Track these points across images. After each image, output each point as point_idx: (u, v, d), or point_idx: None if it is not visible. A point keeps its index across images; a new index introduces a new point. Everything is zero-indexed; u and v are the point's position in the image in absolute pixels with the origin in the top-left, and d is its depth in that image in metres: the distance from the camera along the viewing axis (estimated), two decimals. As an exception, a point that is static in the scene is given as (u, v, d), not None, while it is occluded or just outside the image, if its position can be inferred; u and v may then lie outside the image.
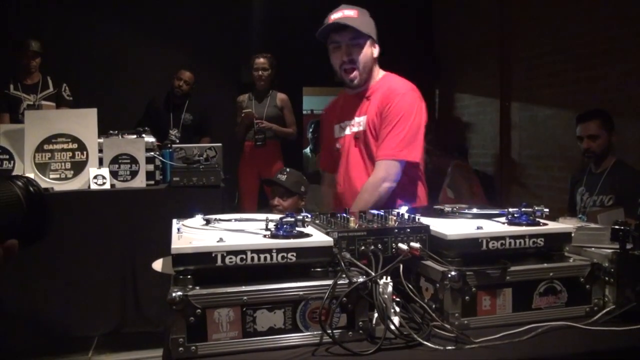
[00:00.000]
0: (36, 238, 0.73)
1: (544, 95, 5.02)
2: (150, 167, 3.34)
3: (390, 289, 1.22)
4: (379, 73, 2.27)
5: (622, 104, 3.95)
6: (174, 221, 1.49)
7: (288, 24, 6.06)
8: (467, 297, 1.29)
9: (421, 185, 2.27)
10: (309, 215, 1.42)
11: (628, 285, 1.34)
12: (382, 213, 1.53)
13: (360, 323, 1.22)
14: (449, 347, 1.18)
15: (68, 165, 3.26)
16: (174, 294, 1.13)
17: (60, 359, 3.03)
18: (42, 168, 3.23)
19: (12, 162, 3.27)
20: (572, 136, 3.67)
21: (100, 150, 3.30)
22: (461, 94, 6.53)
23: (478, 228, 1.37)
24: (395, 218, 1.47)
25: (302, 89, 6.51)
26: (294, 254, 1.22)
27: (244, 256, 1.19)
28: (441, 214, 1.64)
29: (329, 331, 1.18)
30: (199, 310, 1.14)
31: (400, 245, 1.35)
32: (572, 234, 1.45)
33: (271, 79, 4.99)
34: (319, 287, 1.20)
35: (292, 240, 1.24)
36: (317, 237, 1.29)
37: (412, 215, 1.48)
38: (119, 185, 3.27)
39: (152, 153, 3.36)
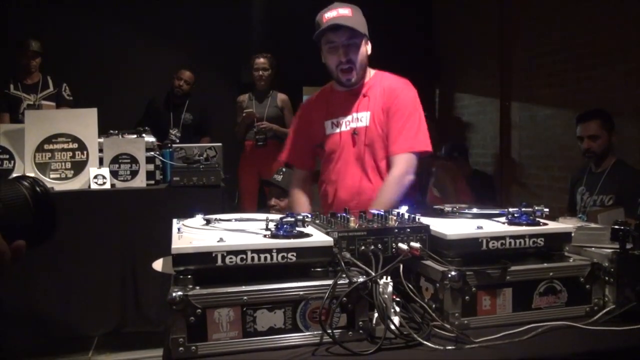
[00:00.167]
0: (43, 238, 0.73)
1: (544, 95, 5.02)
2: (151, 166, 3.34)
3: (390, 288, 1.22)
4: (369, 70, 2.28)
5: (622, 103, 3.95)
6: (174, 221, 1.49)
7: (288, 24, 6.06)
8: (467, 297, 1.29)
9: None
10: (309, 215, 1.42)
11: (628, 285, 1.34)
12: (382, 213, 1.53)
13: (361, 323, 1.22)
14: (449, 347, 1.18)
15: (68, 165, 3.26)
16: (174, 294, 1.13)
17: (61, 359, 3.03)
18: (43, 168, 3.23)
19: (12, 161, 3.28)
20: (572, 136, 3.67)
21: (101, 150, 3.31)
22: (461, 94, 6.53)
23: (478, 228, 1.37)
24: (395, 218, 1.47)
25: (302, 88, 6.50)
26: (294, 254, 1.22)
27: (244, 256, 1.19)
28: (441, 214, 1.65)
29: (329, 331, 1.18)
30: (199, 310, 1.14)
31: (400, 245, 1.35)
32: (572, 234, 1.45)
33: (271, 79, 4.99)
34: (319, 287, 1.20)
35: (292, 240, 1.24)
36: (317, 237, 1.29)
37: (412, 215, 1.48)
38: (119, 185, 3.28)
39: (152, 153, 3.37)
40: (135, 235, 3.13)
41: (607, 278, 1.38)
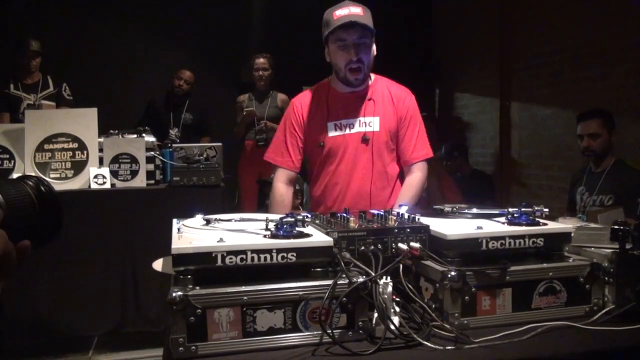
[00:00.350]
0: (49, 238, 0.73)
1: (544, 95, 5.02)
2: (151, 166, 3.34)
3: (390, 289, 1.22)
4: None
5: (621, 103, 3.95)
6: (174, 221, 1.49)
7: (288, 24, 6.06)
8: (466, 297, 1.29)
9: None
10: (309, 215, 1.42)
11: (627, 285, 1.35)
12: (381, 213, 1.53)
13: (360, 323, 1.22)
14: (449, 347, 1.18)
15: (68, 165, 3.26)
16: (174, 294, 1.13)
17: (61, 359, 3.03)
18: (43, 167, 3.23)
19: (12, 161, 3.28)
20: (572, 136, 3.67)
21: (101, 150, 3.30)
22: (461, 94, 6.53)
23: (478, 228, 1.38)
24: (395, 218, 1.48)
25: (303, 88, 6.50)
26: (294, 254, 1.22)
27: (244, 256, 1.20)
28: (441, 214, 1.65)
29: (329, 331, 1.18)
30: (199, 310, 1.14)
31: (400, 245, 1.36)
32: (572, 234, 1.46)
33: (271, 79, 4.99)
34: (318, 287, 1.20)
35: (292, 241, 1.24)
36: (317, 237, 1.29)
37: (412, 215, 1.48)
38: (119, 184, 3.27)
39: (152, 152, 3.36)
40: (135, 235, 3.13)
41: (606, 278, 1.38)
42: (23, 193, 0.69)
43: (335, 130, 2.25)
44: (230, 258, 1.19)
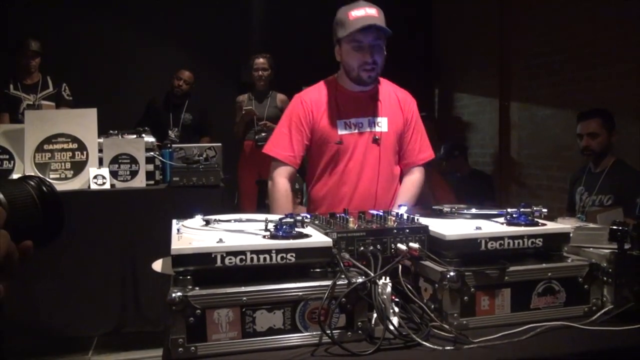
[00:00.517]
0: (51, 238, 0.73)
1: (543, 95, 5.02)
2: (150, 167, 3.34)
3: (389, 289, 1.22)
4: None
5: (621, 103, 3.95)
6: (174, 222, 1.49)
7: (288, 24, 6.07)
8: (465, 298, 1.29)
9: None
10: (308, 216, 1.42)
11: (626, 285, 1.35)
12: (381, 213, 1.53)
13: (360, 323, 1.22)
14: (448, 347, 1.18)
15: (68, 165, 3.26)
16: (173, 295, 1.14)
17: (60, 359, 3.04)
18: (42, 168, 3.23)
19: (12, 162, 3.28)
20: (572, 136, 3.68)
21: (100, 150, 3.31)
22: (461, 94, 6.54)
23: (477, 228, 1.38)
24: (394, 218, 1.48)
25: (302, 88, 6.51)
26: (293, 255, 1.23)
27: (243, 257, 1.20)
28: (440, 214, 1.65)
29: (328, 331, 1.18)
30: (198, 311, 1.14)
31: (399, 245, 1.36)
32: (571, 234, 1.46)
33: (271, 79, 4.99)
34: (318, 287, 1.20)
35: (291, 241, 1.24)
36: (316, 237, 1.29)
37: (411, 216, 1.48)
38: (119, 185, 3.28)
39: (152, 153, 3.37)
40: (134, 236, 3.13)
41: (605, 278, 1.38)
42: (25, 193, 0.69)
43: (345, 128, 2.22)
44: (230, 259, 1.19)
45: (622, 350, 1.23)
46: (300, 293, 1.20)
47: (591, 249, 1.46)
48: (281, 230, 1.28)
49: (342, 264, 1.25)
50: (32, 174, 3.19)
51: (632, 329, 1.27)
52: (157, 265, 1.44)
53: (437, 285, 1.31)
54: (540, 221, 1.45)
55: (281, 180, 2.25)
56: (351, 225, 1.41)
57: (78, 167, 3.27)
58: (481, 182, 5.35)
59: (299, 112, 2.25)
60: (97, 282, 3.14)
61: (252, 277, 1.21)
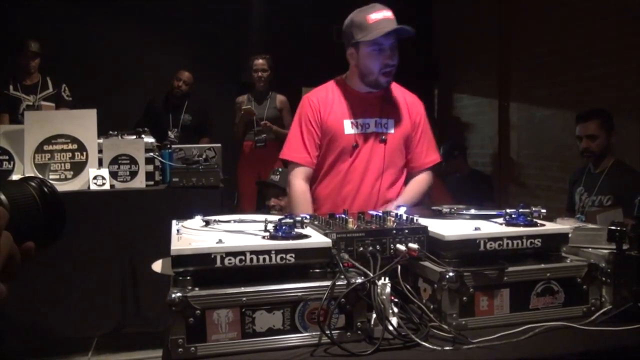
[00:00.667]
0: (52, 240, 0.73)
1: (542, 96, 5.03)
2: (150, 167, 3.34)
3: (388, 289, 1.23)
4: None
5: (620, 104, 3.95)
6: (174, 222, 1.50)
7: (287, 25, 6.07)
8: (464, 298, 1.30)
9: None
10: (308, 216, 1.43)
11: (625, 286, 1.35)
12: (380, 214, 1.54)
13: (359, 324, 1.23)
14: (447, 348, 1.19)
15: (68, 166, 3.27)
16: (173, 295, 1.14)
17: (60, 360, 3.04)
18: (42, 169, 3.23)
19: (11, 162, 3.28)
20: (571, 136, 3.68)
21: (100, 151, 3.31)
22: (460, 94, 6.54)
23: (476, 229, 1.38)
24: (393, 219, 1.48)
25: (302, 89, 6.51)
26: (293, 255, 1.23)
27: (243, 257, 1.20)
28: (439, 215, 1.65)
29: (328, 332, 1.18)
30: (198, 311, 1.15)
31: (399, 246, 1.36)
32: (570, 235, 1.46)
33: (270, 80, 5.00)
34: (317, 288, 1.21)
35: (290, 242, 1.25)
36: (316, 238, 1.29)
37: (410, 216, 1.48)
38: (119, 185, 3.28)
39: (152, 154, 3.37)
40: (134, 236, 3.13)
41: (604, 278, 1.39)
42: (26, 194, 0.69)
43: (353, 128, 2.23)
44: (229, 259, 1.20)
45: (620, 350, 1.23)
46: (300, 293, 1.20)
47: (590, 249, 1.46)
48: (281, 231, 1.28)
49: (341, 265, 1.25)
50: (32, 174, 3.19)
51: (631, 329, 1.27)
52: (157, 266, 1.44)
53: (436, 285, 1.31)
54: (539, 222, 1.46)
55: (297, 181, 2.27)
56: (350, 225, 1.41)
57: (78, 168, 3.27)
58: (480, 183, 5.36)
59: (308, 112, 2.28)
60: (96, 282, 3.14)
61: (251, 278, 1.21)
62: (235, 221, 1.50)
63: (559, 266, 1.38)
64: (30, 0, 5.58)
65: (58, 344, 3.10)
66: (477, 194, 4.86)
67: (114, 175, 3.28)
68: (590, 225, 1.65)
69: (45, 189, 0.71)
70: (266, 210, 3.56)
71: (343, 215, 1.49)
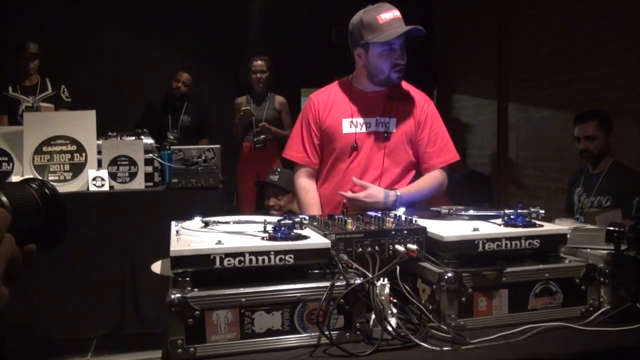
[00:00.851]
0: (54, 242, 0.73)
1: (541, 97, 5.04)
2: (149, 168, 3.35)
3: (387, 290, 1.23)
4: None
5: (618, 105, 3.96)
6: (173, 223, 1.50)
7: (286, 26, 6.08)
8: (463, 298, 1.30)
9: None
10: (307, 217, 1.43)
11: (623, 286, 1.36)
12: (379, 215, 1.54)
13: (358, 324, 1.23)
14: (446, 348, 1.19)
15: (67, 167, 3.27)
16: (172, 296, 1.14)
17: (59, 361, 3.04)
18: (41, 170, 3.24)
19: (11, 164, 3.28)
20: (569, 137, 3.68)
21: (99, 152, 3.31)
22: (459, 95, 6.55)
23: (474, 230, 1.38)
24: (392, 220, 1.48)
25: (301, 90, 6.52)
26: (292, 256, 1.23)
27: (242, 258, 1.20)
28: (438, 216, 1.66)
29: (327, 332, 1.19)
30: (197, 312, 1.15)
31: (397, 246, 1.36)
32: (568, 235, 1.46)
33: (269, 81, 5.00)
34: (316, 288, 1.21)
35: (290, 243, 1.25)
36: (315, 239, 1.30)
37: (409, 217, 1.49)
38: (118, 187, 3.28)
39: (151, 155, 3.37)
40: (133, 237, 3.14)
41: (602, 279, 1.39)
42: (28, 196, 0.69)
43: (352, 128, 2.23)
44: (229, 260, 1.20)
45: (619, 350, 1.23)
46: (299, 294, 1.20)
47: (588, 249, 1.47)
48: (280, 232, 1.28)
49: (340, 265, 1.25)
50: (31, 176, 3.19)
51: (629, 329, 1.27)
52: (156, 267, 1.45)
53: (435, 286, 1.32)
54: (538, 222, 1.46)
55: (299, 180, 2.33)
56: (349, 226, 1.41)
57: (77, 169, 3.27)
58: (479, 183, 5.37)
59: (308, 113, 2.31)
60: (96, 283, 3.14)
61: (250, 279, 1.22)
62: (234, 222, 1.50)
63: (557, 267, 1.38)
64: (29, 2, 5.58)
65: (57, 345, 3.10)
66: (476, 195, 4.87)
67: (113, 176, 3.28)
68: (589, 226, 1.65)
69: (47, 191, 0.71)
70: (265, 210, 3.57)
71: (342, 216, 1.50)
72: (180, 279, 1.20)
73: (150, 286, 3.05)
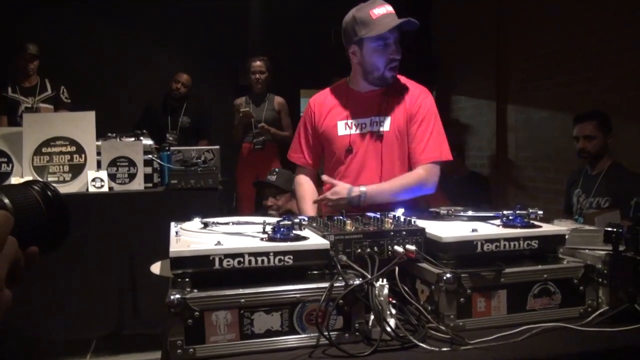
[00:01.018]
0: (56, 244, 0.72)
1: (540, 98, 5.04)
2: (149, 169, 3.35)
3: (386, 291, 1.23)
4: None
5: (617, 105, 3.97)
6: (172, 224, 1.50)
7: (286, 27, 6.08)
8: (462, 299, 1.30)
9: None
10: (306, 218, 1.43)
11: (621, 287, 1.36)
12: (378, 216, 1.54)
13: (357, 325, 1.23)
14: (445, 349, 1.19)
15: (66, 168, 3.27)
16: (172, 297, 1.14)
17: (59, 362, 3.04)
18: (41, 171, 3.24)
19: (10, 165, 3.28)
20: (568, 138, 3.69)
21: (99, 153, 3.31)
22: (458, 96, 6.56)
23: (473, 230, 1.39)
24: (391, 221, 1.49)
25: (300, 91, 6.53)
26: (291, 257, 1.24)
27: (241, 259, 1.21)
28: (436, 217, 1.66)
29: (326, 333, 1.19)
30: (197, 313, 1.15)
31: (396, 247, 1.37)
32: (566, 236, 1.47)
33: (268, 81, 5.01)
34: (315, 289, 1.21)
35: (289, 243, 1.25)
36: (314, 240, 1.30)
37: (408, 218, 1.49)
38: (117, 188, 3.28)
39: (150, 156, 3.37)
40: (133, 238, 3.13)
41: (600, 280, 1.39)
42: (30, 198, 0.69)
43: (347, 129, 2.22)
44: (228, 261, 1.20)
45: (617, 351, 1.24)
46: (298, 295, 1.20)
47: (586, 250, 1.47)
48: (279, 233, 1.29)
49: (339, 266, 1.25)
50: (30, 177, 3.20)
51: (627, 330, 1.28)
52: (156, 268, 1.45)
53: (433, 287, 1.32)
54: (536, 223, 1.46)
55: (297, 178, 2.39)
56: (348, 227, 1.42)
57: (76, 170, 3.27)
58: (478, 184, 5.37)
59: (305, 115, 2.36)
60: (95, 284, 3.14)
61: (250, 279, 1.22)
62: (233, 223, 1.50)
63: (555, 267, 1.39)
64: (29, 3, 5.58)
65: (56, 346, 3.10)
66: (475, 196, 4.88)
67: (112, 177, 3.28)
68: (587, 227, 1.66)
69: (49, 193, 0.70)
70: (264, 210, 3.57)
71: (341, 217, 1.50)
72: (179, 279, 1.20)
73: (149, 287, 3.05)
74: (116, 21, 5.83)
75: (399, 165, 2.19)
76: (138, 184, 3.31)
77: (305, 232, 1.35)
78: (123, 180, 3.30)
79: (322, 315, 1.20)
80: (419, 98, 2.21)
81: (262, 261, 1.22)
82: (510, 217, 1.47)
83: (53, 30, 5.46)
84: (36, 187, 0.70)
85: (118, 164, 3.30)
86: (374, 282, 1.24)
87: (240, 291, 1.18)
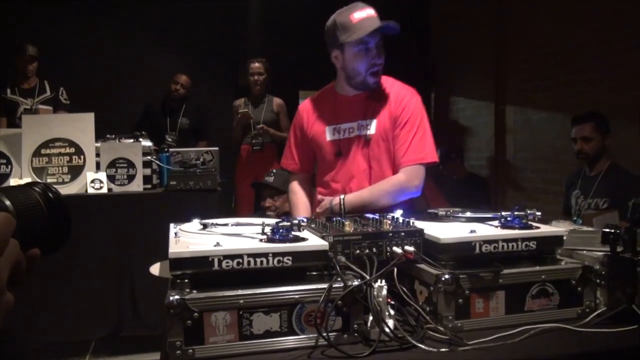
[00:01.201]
0: (58, 246, 0.72)
1: (538, 99, 5.05)
2: (147, 171, 3.35)
3: (384, 292, 1.24)
4: None
5: (616, 107, 3.98)
6: (171, 225, 1.50)
7: (285, 28, 6.09)
8: (460, 300, 1.31)
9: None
10: (305, 219, 1.43)
11: (619, 288, 1.36)
12: (377, 217, 1.55)
13: (355, 326, 1.23)
14: (443, 349, 1.19)
15: (65, 170, 3.27)
16: (171, 298, 1.15)
17: (58, 363, 3.04)
18: (40, 172, 3.24)
19: (9, 166, 3.29)
20: (567, 139, 3.70)
21: (98, 155, 3.31)
22: (457, 97, 6.57)
23: (471, 232, 1.39)
24: (389, 222, 1.49)
25: (299, 92, 6.53)
26: (290, 258, 1.24)
27: (240, 260, 1.21)
28: (435, 218, 1.66)
29: (325, 334, 1.19)
30: (196, 314, 1.15)
31: (395, 248, 1.37)
32: (564, 237, 1.47)
33: (267, 83, 5.01)
34: (314, 290, 1.21)
35: (288, 245, 1.26)
36: (313, 241, 1.30)
37: (407, 219, 1.49)
38: (116, 189, 3.29)
39: (149, 157, 3.38)
40: (132, 240, 3.14)
41: (598, 280, 1.39)
42: (32, 200, 0.68)
43: (335, 134, 2.21)
44: (227, 262, 1.20)
45: (615, 351, 1.24)
46: (297, 296, 1.21)
47: (584, 251, 1.47)
48: (278, 234, 1.29)
49: (338, 267, 1.26)
50: (30, 178, 3.20)
51: (625, 331, 1.28)
52: (155, 269, 1.45)
53: (432, 288, 1.32)
54: (534, 224, 1.47)
55: (290, 184, 2.40)
56: (347, 228, 1.42)
57: (75, 172, 3.27)
58: (477, 186, 5.38)
59: (295, 121, 2.37)
60: (94, 285, 3.14)
61: (249, 280, 1.22)
62: (232, 224, 1.51)
63: (553, 268, 1.39)
64: (29, 3, 5.58)
65: (55, 347, 3.10)
66: (473, 197, 4.88)
67: (111, 178, 3.29)
68: (585, 228, 1.66)
69: (50, 195, 0.70)
70: (263, 211, 3.57)
71: (340, 218, 1.50)
72: (178, 280, 1.20)
73: (148, 288, 3.06)
74: (115, 22, 5.83)
75: (389, 168, 2.16)
76: (137, 185, 3.31)
77: (304, 233, 1.35)
78: (122, 182, 3.30)
79: (321, 316, 1.20)
80: (403, 100, 2.16)
81: (261, 262, 1.22)
82: (509, 218, 1.47)
83: (52, 31, 5.46)
84: (37, 189, 0.70)
85: (117, 165, 3.30)
86: (373, 283, 1.24)
87: (240, 292, 1.18)
